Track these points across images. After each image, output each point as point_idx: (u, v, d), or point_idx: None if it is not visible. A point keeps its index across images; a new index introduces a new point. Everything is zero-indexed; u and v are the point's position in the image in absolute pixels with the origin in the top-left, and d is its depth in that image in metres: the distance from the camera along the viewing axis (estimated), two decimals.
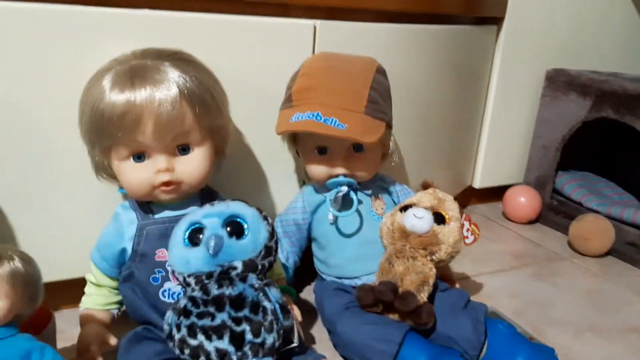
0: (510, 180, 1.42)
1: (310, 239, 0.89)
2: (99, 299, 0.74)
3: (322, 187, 0.84)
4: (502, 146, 1.38)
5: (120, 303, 0.76)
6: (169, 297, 0.70)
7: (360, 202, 0.81)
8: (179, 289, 0.70)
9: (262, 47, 0.85)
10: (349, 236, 0.82)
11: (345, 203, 0.81)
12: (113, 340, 0.71)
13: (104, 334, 0.70)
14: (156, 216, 0.72)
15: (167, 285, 0.70)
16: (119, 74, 0.65)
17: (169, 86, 0.65)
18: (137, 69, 0.65)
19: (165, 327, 0.64)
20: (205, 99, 0.68)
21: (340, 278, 0.83)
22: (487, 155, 1.36)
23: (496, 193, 1.42)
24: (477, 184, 1.38)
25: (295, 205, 0.87)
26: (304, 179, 0.93)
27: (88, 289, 0.75)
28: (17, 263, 0.56)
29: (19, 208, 0.75)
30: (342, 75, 0.77)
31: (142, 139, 0.65)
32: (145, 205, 0.72)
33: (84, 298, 0.75)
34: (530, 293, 1.01)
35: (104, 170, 0.72)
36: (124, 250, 0.71)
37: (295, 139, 0.84)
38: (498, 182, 1.41)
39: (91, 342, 0.69)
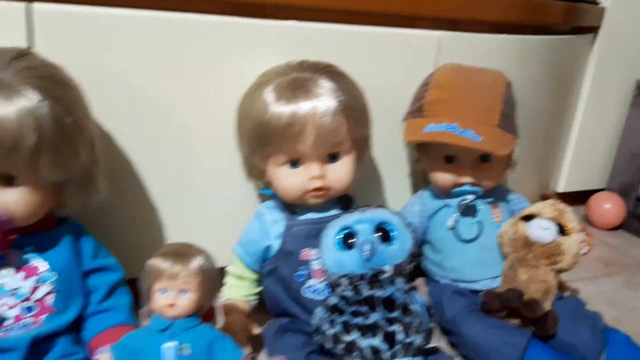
0: (593, 186, 1.43)
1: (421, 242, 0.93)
2: (240, 290, 0.80)
3: (441, 192, 0.88)
4: (588, 152, 1.39)
5: (258, 295, 0.81)
6: (311, 294, 0.75)
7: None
8: (321, 286, 0.75)
9: (387, 57, 0.89)
10: (467, 242, 0.86)
11: (466, 210, 0.85)
12: (256, 330, 0.76)
13: (247, 324, 0.76)
14: (301, 217, 0.77)
15: (310, 282, 0.75)
16: (281, 87, 0.70)
17: (329, 99, 0.69)
18: (299, 82, 0.70)
19: (314, 321, 0.70)
20: (358, 111, 0.72)
21: (456, 281, 0.87)
22: (573, 160, 1.37)
23: (578, 198, 1.43)
24: (561, 188, 1.40)
25: (412, 209, 0.90)
26: (417, 184, 0.97)
27: (229, 280, 0.81)
28: (204, 259, 0.62)
29: (168, 204, 0.81)
30: (477, 89, 0.81)
31: (302, 148, 0.70)
32: (290, 206, 0.77)
33: (225, 289, 0.80)
34: (626, 301, 1.03)
35: (257, 173, 0.77)
36: (268, 248, 0.77)
37: (421, 147, 0.88)
38: (581, 187, 1.43)
39: (237, 331, 0.74)
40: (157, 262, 0.60)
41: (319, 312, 0.70)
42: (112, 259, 0.70)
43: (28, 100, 0.55)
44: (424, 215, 0.90)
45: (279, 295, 0.77)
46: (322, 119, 0.69)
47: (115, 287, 0.70)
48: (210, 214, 0.84)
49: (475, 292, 0.85)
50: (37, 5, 0.66)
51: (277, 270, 0.76)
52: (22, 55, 0.59)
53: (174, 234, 0.82)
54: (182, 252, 0.61)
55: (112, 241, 0.73)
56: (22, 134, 0.55)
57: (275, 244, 0.76)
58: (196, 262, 0.61)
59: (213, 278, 0.63)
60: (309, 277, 0.75)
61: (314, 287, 0.75)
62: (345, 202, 0.79)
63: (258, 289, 0.81)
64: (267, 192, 0.79)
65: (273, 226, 0.77)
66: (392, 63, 0.89)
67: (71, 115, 0.59)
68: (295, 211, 0.77)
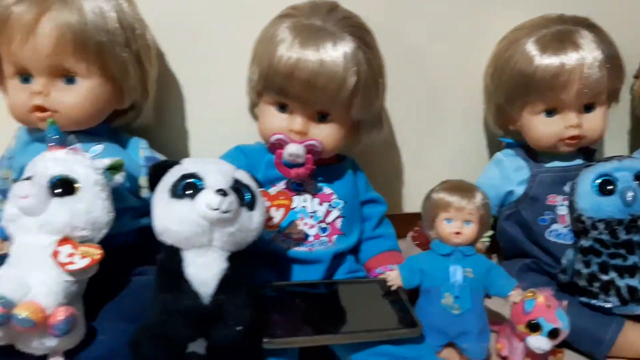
0: None
1: None
2: None
3: None
4: None
5: (489, 237, 0.87)
6: (555, 237, 0.79)
7: None
8: (565, 230, 0.79)
9: (620, 13, 0.88)
10: None
11: None
12: None
13: None
14: (546, 165, 0.81)
15: (554, 226, 0.79)
16: (546, 39, 0.73)
17: (595, 51, 0.72)
18: (564, 34, 0.73)
19: (564, 262, 0.74)
20: (618, 64, 0.75)
21: None
22: None
23: None
24: None
25: None
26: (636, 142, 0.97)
27: None
28: (484, 195, 0.68)
29: (410, 148, 0.89)
30: None
31: (565, 97, 0.74)
32: (533, 154, 0.81)
33: None
34: None
35: (506, 121, 0.82)
36: (510, 192, 0.82)
37: None
38: None
39: None
40: (444, 195, 0.67)
41: (570, 254, 0.74)
42: (377, 194, 0.79)
43: (349, 46, 0.63)
44: None
45: (518, 238, 0.82)
46: (589, 70, 0.72)
47: (382, 217, 0.78)
48: (445, 158, 0.90)
49: None
50: None
51: (518, 213, 0.81)
52: (334, 7, 0.67)
53: (413, 176, 0.89)
54: (466, 188, 0.67)
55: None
56: (347, 76, 0.63)
57: (519, 190, 0.81)
58: (479, 197, 0.67)
59: (489, 213, 0.69)
60: (553, 221, 0.79)
61: (558, 231, 0.79)
62: (588, 152, 0.82)
63: (491, 232, 0.86)
64: (508, 140, 0.84)
65: (515, 172, 0.81)
66: (623, 20, 0.89)
67: (378, 59, 0.67)
68: (538, 159, 0.81)
